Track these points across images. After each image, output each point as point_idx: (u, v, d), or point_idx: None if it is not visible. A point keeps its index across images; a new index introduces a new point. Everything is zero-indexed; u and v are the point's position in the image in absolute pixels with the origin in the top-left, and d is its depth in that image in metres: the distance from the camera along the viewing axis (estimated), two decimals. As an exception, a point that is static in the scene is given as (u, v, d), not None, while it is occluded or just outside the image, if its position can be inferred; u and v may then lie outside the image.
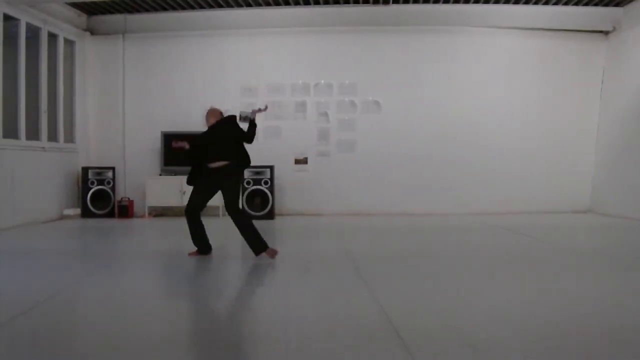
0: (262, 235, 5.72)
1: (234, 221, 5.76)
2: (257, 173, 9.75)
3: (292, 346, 3.12)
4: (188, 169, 5.89)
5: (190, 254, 5.90)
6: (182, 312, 3.94)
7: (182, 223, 9.62)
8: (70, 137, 10.33)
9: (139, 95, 10.75)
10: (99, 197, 10.13)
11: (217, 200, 10.35)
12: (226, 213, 10.85)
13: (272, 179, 9.81)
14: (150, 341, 3.17)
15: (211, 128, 5.87)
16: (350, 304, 4.02)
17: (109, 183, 10.16)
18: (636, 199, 9.20)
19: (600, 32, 10.48)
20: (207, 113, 5.96)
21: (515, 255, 6.18)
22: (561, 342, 3.05)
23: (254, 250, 5.71)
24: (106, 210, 10.12)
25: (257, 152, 10.45)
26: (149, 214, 10.28)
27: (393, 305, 3.82)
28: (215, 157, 5.71)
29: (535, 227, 8.43)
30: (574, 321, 3.52)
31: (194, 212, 5.83)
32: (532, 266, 5.52)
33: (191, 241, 5.90)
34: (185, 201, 10.22)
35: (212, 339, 3.23)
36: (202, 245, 5.89)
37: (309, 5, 10.38)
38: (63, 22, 9.92)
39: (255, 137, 5.86)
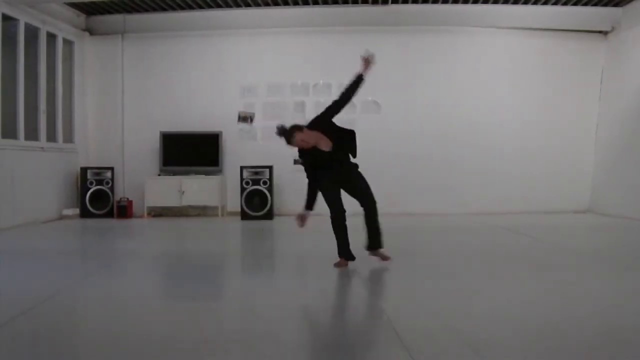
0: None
1: (372, 207, 5.33)
2: (256, 173, 9.74)
3: (291, 346, 3.11)
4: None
5: (337, 265, 5.21)
6: (182, 312, 3.94)
7: (181, 223, 9.75)
8: (69, 137, 10.32)
9: (138, 95, 10.74)
10: (97, 197, 10.11)
11: (217, 200, 10.44)
12: (224, 213, 10.77)
13: (271, 179, 9.79)
14: (150, 341, 3.17)
15: (332, 152, 5.41)
16: (350, 304, 4.01)
17: (107, 183, 10.14)
18: (636, 199, 9.20)
19: (600, 32, 10.48)
20: (298, 135, 5.22)
21: (515, 255, 6.18)
22: (561, 342, 3.05)
23: (371, 245, 5.26)
24: (105, 211, 10.10)
25: (256, 152, 10.54)
26: (148, 214, 10.27)
27: (393, 305, 3.82)
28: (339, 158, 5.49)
29: (535, 227, 8.43)
30: (574, 321, 3.51)
31: (343, 216, 5.25)
32: (532, 266, 5.52)
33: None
34: (183, 201, 10.37)
35: (212, 339, 3.22)
36: (350, 252, 5.25)
37: (308, 5, 10.37)
38: (62, 22, 9.91)
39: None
